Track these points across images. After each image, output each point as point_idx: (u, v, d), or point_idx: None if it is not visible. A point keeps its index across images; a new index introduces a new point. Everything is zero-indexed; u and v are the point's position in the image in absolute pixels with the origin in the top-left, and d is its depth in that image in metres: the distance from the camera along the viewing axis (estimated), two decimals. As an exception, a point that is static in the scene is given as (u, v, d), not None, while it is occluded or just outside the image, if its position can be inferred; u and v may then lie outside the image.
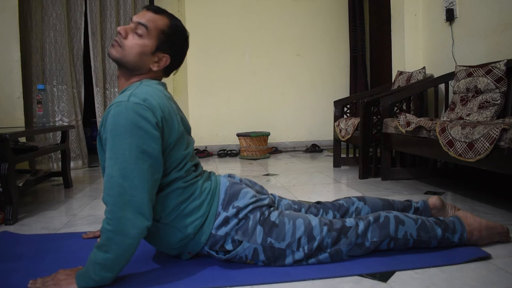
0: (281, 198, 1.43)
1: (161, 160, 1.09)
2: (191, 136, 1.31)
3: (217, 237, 1.17)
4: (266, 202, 1.24)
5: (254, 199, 1.22)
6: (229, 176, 1.34)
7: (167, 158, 1.13)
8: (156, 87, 1.17)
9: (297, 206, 1.42)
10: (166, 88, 1.26)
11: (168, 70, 1.26)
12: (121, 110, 1.04)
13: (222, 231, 1.17)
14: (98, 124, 3.82)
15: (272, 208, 1.25)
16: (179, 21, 1.25)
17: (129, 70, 1.19)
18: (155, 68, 1.20)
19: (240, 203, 1.20)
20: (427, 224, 1.27)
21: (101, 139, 1.14)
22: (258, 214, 1.19)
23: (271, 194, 1.41)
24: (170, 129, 1.13)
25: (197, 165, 1.27)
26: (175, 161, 1.15)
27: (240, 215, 1.18)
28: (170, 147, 1.13)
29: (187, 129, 1.27)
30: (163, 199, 1.14)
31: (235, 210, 1.18)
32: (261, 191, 1.37)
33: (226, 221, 1.17)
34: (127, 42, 1.16)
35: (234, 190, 1.23)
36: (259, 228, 1.17)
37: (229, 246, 1.17)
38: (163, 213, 1.14)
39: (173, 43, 1.21)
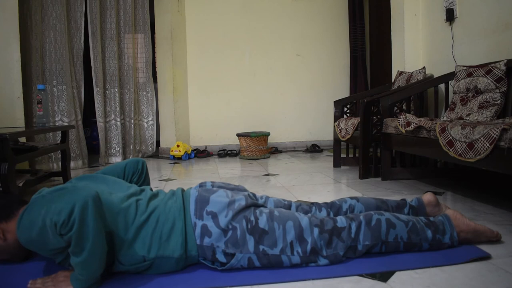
0: (268, 197, 1.42)
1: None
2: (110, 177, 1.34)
3: (204, 248, 1.15)
4: (243, 203, 1.21)
5: (226, 200, 1.20)
6: (200, 186, 1.34)
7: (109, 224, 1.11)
8: None
9: (287, 202, 1.42)
10: None
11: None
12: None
13: (207, 242, 1.15)
14: (98, 124, 3.82)
15: (258, 211, 1.21)
16: None
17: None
18: (4, 242, 1.19)
19: (213, 208, 1.18)
20: (417, 227, 1.27)
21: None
22: (244, 222, 1.16)
23: (251, 192, 1.38)
24: None
25: (141, 192, 1.26)
26: (115, 217, 1.13)
27: (222, 225, 1.15)
28: None
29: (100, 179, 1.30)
30: (138, 240, 1.12)
31: (210, 216, 1.16)
32: (236, 188, 1.36)
33: (205, 230, 1.15)
34: None
35: (203, 198, 1.21)
36: (248, 237, 1.15)
37: (222, 259, 1.16)
38: (144, 251, 1.12)
39: None
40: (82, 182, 1.28)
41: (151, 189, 1.34)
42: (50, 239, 1.02)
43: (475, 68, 2.35)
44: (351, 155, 3.32)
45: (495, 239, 1.35)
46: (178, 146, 4.03)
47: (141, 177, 1.50)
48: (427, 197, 1.49)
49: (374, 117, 2.66)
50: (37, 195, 1.09)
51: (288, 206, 1.41)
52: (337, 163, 3.26)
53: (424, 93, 2.76)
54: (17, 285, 1.12)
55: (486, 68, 2.25)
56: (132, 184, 1.37)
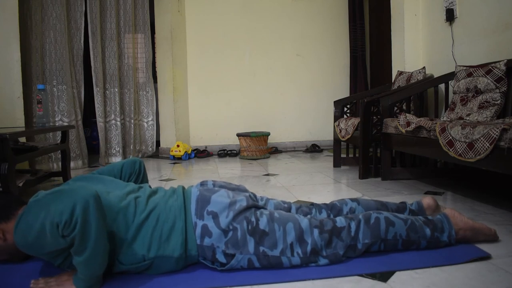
0: (268, 199, 1.42)
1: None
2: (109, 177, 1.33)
3: (204, 248, 1.15)
4: (244, 203, 1.20)
5: (228, 200, 1.20)
6: (201, 184, 1.33)
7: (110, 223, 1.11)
8: None
9: (287, 205, 1.42)
10: None
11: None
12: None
13: (208, 242, 1.15)
14: (98, 124, 3.82)
15: (258, 212, 1.21)
16: None
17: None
18: (4, 242, 1.18)
19: (214, 208, 1.18)
20: (416, 224, 1.28)
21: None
22: (244, 223, 1.16)
23: (252, 193, 1.38)
24: None
25: (139, 189, 1.26)
26: (115, 217, 1.12)
27: (223, 225, 1.15)
28: None
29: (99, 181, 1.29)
30: (138, 239, 1.12)
31: (210, 216, 1.16)
32: (237, 188, 1.36)
33: (206, 230, 1.15)
34: None
35: (204, 197, 1.21)
36: (249, 238, 1.15)
37: (222, 259, 1.16)
38: (144, 250, 1.12)
39: None
40: (79, 183, 1.27)
41: (149, 186, 1.33)
42: (48, 242, 1.01)
43: (475, 68, 2.35)
44: (351, 155, 3.32)
45: (492, 237, 1.35)
46: (178, 146, 4.03)
47: (138, 178, 1.49)
48: (427, 201, 1.49)
49: (374, 117, 2.66)
50: (33, 199, 1.09)
51: (288, 208, 1.40)
52: (337, 163, 3.26)
53: (424, 93, 2.76)
54: (17, 285, 1.12)
55: (486, 68, 2.25)
56: (130, 182, 1.36)
